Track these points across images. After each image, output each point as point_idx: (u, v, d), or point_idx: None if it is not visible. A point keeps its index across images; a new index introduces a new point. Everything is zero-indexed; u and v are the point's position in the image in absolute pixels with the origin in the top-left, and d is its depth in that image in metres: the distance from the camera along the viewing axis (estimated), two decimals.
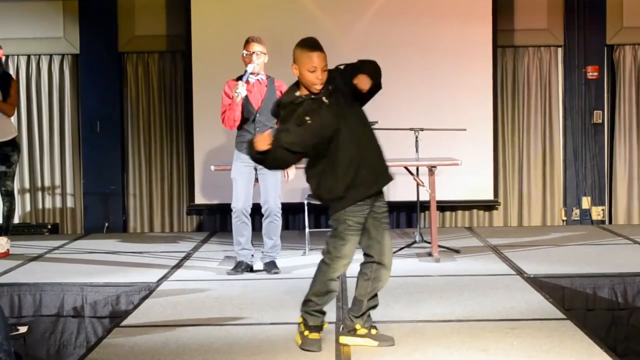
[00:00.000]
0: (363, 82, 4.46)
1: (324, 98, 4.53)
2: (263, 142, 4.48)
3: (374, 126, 7.46)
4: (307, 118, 4.49)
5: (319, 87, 4.54)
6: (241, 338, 4.94)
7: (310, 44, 4.57)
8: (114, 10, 9.60)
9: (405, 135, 7.80)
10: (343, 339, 4.75)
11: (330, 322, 5.24)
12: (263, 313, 5.54)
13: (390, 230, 4.70)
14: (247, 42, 6.67)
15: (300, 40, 4.62)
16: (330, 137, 4.49)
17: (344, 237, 4.58)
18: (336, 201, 4.59)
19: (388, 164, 4.74)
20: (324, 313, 4.74)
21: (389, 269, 4.69)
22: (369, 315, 4.76)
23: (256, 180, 6.77)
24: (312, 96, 4.55)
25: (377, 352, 4.60)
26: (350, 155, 4.53)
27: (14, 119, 7.78)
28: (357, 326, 4.72)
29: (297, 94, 4.59)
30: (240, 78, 6.66)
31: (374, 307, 4.78)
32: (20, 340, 5.60)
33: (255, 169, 6.71)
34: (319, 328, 4.70)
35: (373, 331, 4.74)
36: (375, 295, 4.75)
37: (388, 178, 4.72)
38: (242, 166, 6.70)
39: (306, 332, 4.66)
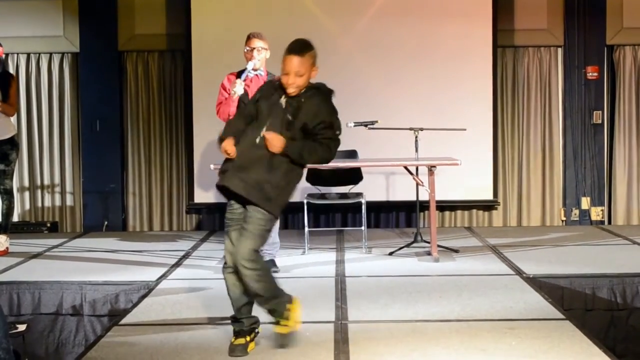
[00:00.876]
0: (271, 143, 4.35)
1: (283, 98, 4.49)
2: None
3: (374, 126, 7.56)
4: (259, 103, 4.54)
5: (291, 90, 4.47)
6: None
7: (291, 47, 4.50)
8: (114, 9, 9.60)
9: (405, 135, 7.81)
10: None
11: (328, 322, 5.27)
12: (262, 312, 5.52)
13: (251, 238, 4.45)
14: (248, 38, 6.68)
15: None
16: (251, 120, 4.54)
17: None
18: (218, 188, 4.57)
19: (275, 195, 4.47)
20: (239, 320, 4.64)
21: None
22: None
23: None
24: (283, 92, 4.51)
25: (376, 351, 4.60)
26: (247, 149, 4.45)
27: (13, 117, 7.78)
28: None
29: (277, 84, 4.56)
30: (241, 72, 6.66)
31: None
32: (19, 339, 5.60)
33: None
34: (241, 332, 4.62)
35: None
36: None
37: (259, 201, 4.42)
38: None
39: (232, 339, 4.63)
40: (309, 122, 4.46)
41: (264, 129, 4.42)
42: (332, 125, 4.53)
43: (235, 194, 4.45)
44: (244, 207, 4.51)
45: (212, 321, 5.34)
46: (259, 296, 4.52)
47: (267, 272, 4.58)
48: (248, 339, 4.59)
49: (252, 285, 4.45)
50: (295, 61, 4.44)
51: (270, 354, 4.57)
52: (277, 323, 4.62)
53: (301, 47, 4.49)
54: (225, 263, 4.58)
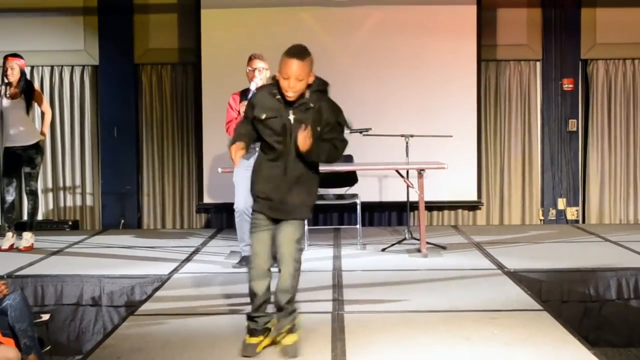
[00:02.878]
0: (302, 142, 4.15)
1: (291, 112, 4.24)
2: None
3: (369, 132, 7.56)
4: (264, 115, 4.25)
5: (290, 95, 4.20)
6: (245, 326, 4.93)
7: (291, 51, 4.21)
8: (131, 25, 9.60)
9: (396, 141, 7.81)
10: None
11: (325, 312, 5.26)
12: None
13: (293, 233, 4.35)
14: (250, 59, 6.67)
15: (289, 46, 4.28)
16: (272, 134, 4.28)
17: (251, 237, 4.43)
18: (253, 197, 4.43)
19: (310, 201, 4.41)
20: (255, 319, 4.42)
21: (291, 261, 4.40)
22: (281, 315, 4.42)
23: None
24: (283, 101, 4.24)
25: (370, 339, 4.60)
26: (274, 172, 4.31)
27: (38, 123, 7.79)
28: (272, 325, 4.46)
29: (275, 91, 4.26)
30: (244, 92, 6.66)
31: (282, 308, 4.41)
32: (43, 327, 5.60)
33: None
34: (255, 332, 4.41)
35: (282, 335, 4.39)
36: (288, 293, 4.39)
37: (299, 214, 4.35)
38: (244, 170, 6.69)
39: (245, 337, 4.43)
40: (320, 128, 4.27)
41: (291, 154, 4.24)
42: (339, 124, 4.37)
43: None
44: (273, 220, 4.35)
45: (220, 311, 5.34)
46: (288, 292, 4.34)
47: (300, 272, 4.44)
48: (261, 338, 4.40)
49: (288, 281, 4.31)
50: (295, 65, 4.16)
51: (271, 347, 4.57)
52: (289, 332, 4.35)
53: (301, 52, 4.21)
54: (248, 263, 4.41)
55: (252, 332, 4.41)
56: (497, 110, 9.71)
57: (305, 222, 7.66)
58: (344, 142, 4.41)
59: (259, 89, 4.53)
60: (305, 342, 4.54)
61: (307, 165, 4.33)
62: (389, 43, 9.14)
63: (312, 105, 4.26)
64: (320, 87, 4.35)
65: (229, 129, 6.68)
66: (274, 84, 4.30)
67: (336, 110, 4.38)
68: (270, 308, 4.46)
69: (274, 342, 4.41)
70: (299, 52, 4.21)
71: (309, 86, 4.26)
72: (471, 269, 6.67)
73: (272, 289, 4.42)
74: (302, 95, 4.26)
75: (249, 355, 4.31)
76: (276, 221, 4.36)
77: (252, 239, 4.41)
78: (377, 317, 5.07)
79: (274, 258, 4.42)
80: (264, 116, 4.27)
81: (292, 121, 4.24)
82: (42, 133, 7.73)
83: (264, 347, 4.40)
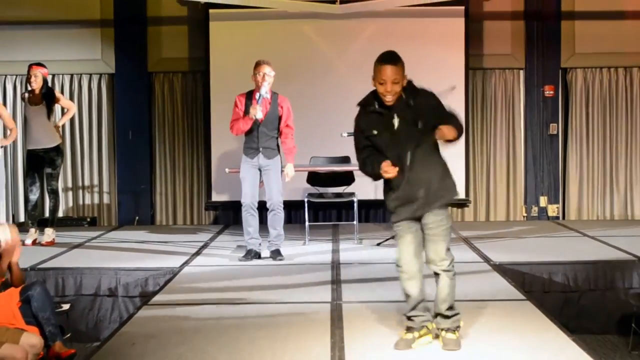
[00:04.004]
0: (447, 134, 4.01)
1: (395, 115, 4.11)
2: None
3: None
4: (375, 131, 4.15)
5: (389, 99, 4.10)
6: (250, 314, 4.95)
7: (383, 58, 4.14)
8: (145, 36, 9.60)
9: None
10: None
11: (325, 302, 5.26)
12: (269, 294, 5.54)
13: (438, 239, 4.19)
14: (257, 65, 6.62)
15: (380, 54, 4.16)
16: (385, 147, 4.13)
17: (396, 240, 4.32)
18: (391, 213, 4.27)
19: (447, 182, 4.22)
20: (411, 318, 4.28)
21: (439, 274, 4.22)
22: (441, 319, 4.24)
23: (261, 182, 6.78)
24: (383, 109, 4.13)
25: (366, 327, 4.60)
26: (405, 173, 4.11)
27: (59, 127, 7.79)
28: (430, 325, 4.30)
29: (375, 104, 4.16)
30: (249, 93, 6.65)
31: (441, 315, 4.23)
32: (64, 316, 5.59)
33: (260, 170, 6.72)
34: (411, 329, 4.27)
35: (444, 333, 4.22)
36: (446, 302, 4.21)
37: (443, 199, 4.19)
38: (248, 167, 6.71)
39: (402, 333, 4.30)
40: (429, 119, 4.09)
41: (408, 153, 4.10)
42: (442, 105, 4.21)
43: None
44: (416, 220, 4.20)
45: (227, 301, 5.33)
46: (446, 295, 4.21)
47: (454, 274, 4.28)
48: (417, 335, 4.24)
49: (443, 291, 4.20)
50: (390, 70, 4.08)
51: (274, 331, 4.56)
52: (448, 331, 4.21)
53: (394, 57, 4.14)
54: (400, 269, 4.28)
55: (408, 329, 4.28)
56: (483, 115, 9.71)
57: (306, 217, 7.81)
58: (454, 116, 4.19)
59: (359, 114, 4.30)
60: (306, 330, 4.55)
61: (427, 153, 4.16)
62: (383, 52, 9.13)
63: (411, 102, 4.14)
64: (417, 88, 4.24)
65: (233, 127, 6.68)
66: (366, 99, 4.23)
67: (429, 96, 4.22)
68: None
69: (434, 337, 4.28)
70: (391, 57, 4.14)
71: (403, 88, 4.15)
72: (460, 262, 6.56)
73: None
74: (399, 98, 4.14)
75: (402, 349, 4.19)
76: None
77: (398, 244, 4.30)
78: (373, 307, 5.07)
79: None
80: (375, 132, 4.17)
81: (397, 123, 4.12)
82: (57, 126, 7.69)
83: (419, 345, 4.24)
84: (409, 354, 4.13)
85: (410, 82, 4.23)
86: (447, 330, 4.22)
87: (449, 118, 4.14)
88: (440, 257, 4.20)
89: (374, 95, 4.20)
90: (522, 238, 7.95)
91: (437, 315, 4.26)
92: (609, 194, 9.65)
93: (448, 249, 4.23)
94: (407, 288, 4.26)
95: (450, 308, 4.23)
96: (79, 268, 6.45)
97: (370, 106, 4.22)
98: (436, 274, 4.24)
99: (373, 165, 4.17)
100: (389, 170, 4.06)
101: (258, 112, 6.47)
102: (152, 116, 9.74)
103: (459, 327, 4.27)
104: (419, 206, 4.16)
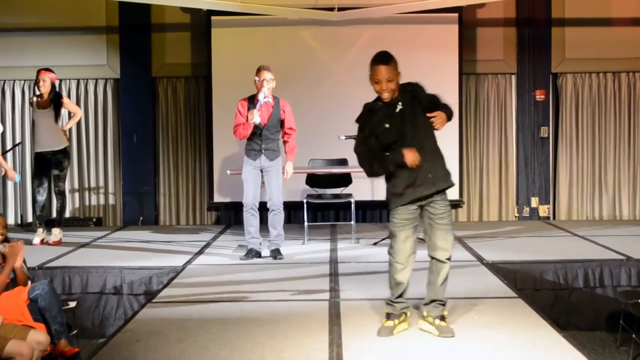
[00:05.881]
0: (440, 121, 4.23)
1: (399, 104, 4.27)
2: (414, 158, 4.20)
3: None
4: (387, 125, 4.27)
5: (385, 95, 4.26)
6: (251, 312, 4.94)
7: (376, 58, 4.31)
8: (149, 42, 9.60)
9: None
10: (418, 323, 4.49)
11: (323, 300, 5.26)
12: (269, 292, 5.54)
13: (448, 229, 4.34)
14: (259, 70, 6.63)
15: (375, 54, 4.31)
16: (396, 139, 4.25)
17: (393, 232, 4.37)
18: (392, 198, 4.35)
19: (446, 170, 4.38)
20: (393, 304, 4.44)
21: (444, 263, 4.35)
22: (435, 306, 4.40)
23: (262, 182, 6.78)
24: (387, 104, 4.29)
25: (363, 323, 4.60)
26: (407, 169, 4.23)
27: (66, 130, 7.78)
28: (425, 313, 4.44)
29: (380, 102, 4.35)
30: (251, 98, 6.65)
31: (438, 301, 4.39)
32: (70, 313, 5.59)
33: (261, 171, 6.72)
34: (391, 315, 4.42)
35: (437, 321, 4.35)
36: (444, 290, 4.38)
37: (445, 183, 4.35)
38: (251, 169, 6.71)
39: (383, 321, 4.43)
40: (427, 105, 4.30)
41: (414, 135, 4.26)
42: (437, 97, 4.39)
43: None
44: (420, 208, 4.33)
45: (229, 299, 5.33)
46: (445, 282, 4.38)
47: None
48: (397, 322, 4.39)
49: (439, 277, 4.35)
50: (384, 70, 4.25)
51: (274, 327, 4.56)
52: (442, 319, 4.37)
53: (386, 57, 4.30)
54: (393, 257, 4.38)
55: (388, 316, 4.41)
56: (476, 119, 9.71)
57: (305, 217, 7.81)
58: (447, 106, 4.39)
59: (364, 113, 4.44)
60: (305, 326, 4.54)
61: (429, 142, 4.32)
62: None
63: (409, 89, 4.33)
64: (412, 83, 4.41)
65: (236, 131, 6.68)
66: (373, 101, 4.38)
67: (419, 87, 4.41)
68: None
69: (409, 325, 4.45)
70: (383, 58, 4.31)
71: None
72: (453, 261, 6.61)
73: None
74: (397, 92, 4.31)
75: (384, 336, 4.31)
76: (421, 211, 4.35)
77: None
78: (370, 304, 5.06)
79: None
80: (387, 126, 4.28)
81: (400, 108, 4.28)
82: (64, 130, 7.67)
83: (399, 332, 4.38)
84: (405, 349, 4.13)
85: (409, 84, 4.41)
86: (441, 318, 4.33)
87: (444, 107, 4.35)
88: (450, 245, 4.35)
89: (378, 97, 4.38)
90: (514, 237, 7.96)
91: (432, 301, 4.37)
92: (597, 195, 9.66)
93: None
94: (398, 277, 4.38)
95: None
96: (85, 267, 6.44)
97: (377, 103, 4.36)
98: (439, 262, 4.35)
99: (383, 158, 4.30)
100: (414, 157, 4.18)
101: (256, 117, 6.47)
102: (155, 120, 9.74)
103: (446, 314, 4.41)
104: (427, 186, 4.28)
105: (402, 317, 4.44)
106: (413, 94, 4.31)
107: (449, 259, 4.38)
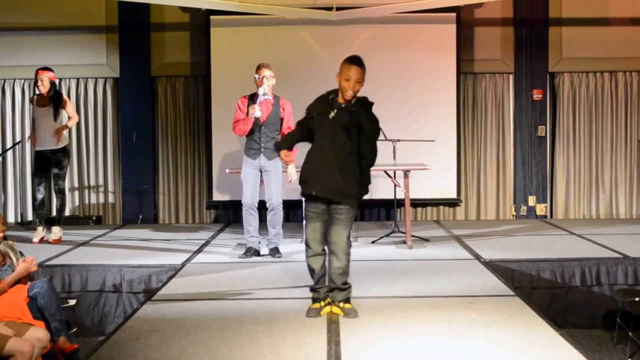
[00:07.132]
0: (287, 160, 4.87)
1: (348, 109, 4.54)
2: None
3: None
4: (315, 113, 4.63)
5: (349, 94, 4.53)
6: (250, 310, 4.94)
7: (353, 59, 4.55)
8: (148, 42, 9.59)
9: (384, 145, 7.76)
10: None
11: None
12: (268, 290, 5.53)
13: (345, 226, 4.63)
14: (259, 68, 6.64)
15: (348, 56, 4.59)
16: (316, 130, 4.62)
17: (306, 222, 4.77)
18: (301, 184, 4.72)
19: (353, 188, 4.62)
20: (315, 289, 4.83)
21: (338, 257, 4.63)
22: (337, 292, 4.73)
23: (262, 181, 6.77)
24: (332, 102, 4.60)
25: (361, 321, 4.60)
26: (324, 157, 4.58)
27: (66, 130, 7.77)
28: (331, 296, 4.77)
29: (331, 96, 4.64)
30: (252, 95, 6.65)
31: (337, 289, 4.71)
32: (70, 311, 5.59)
33: (261, 171, 6.71)
34: (314, 300, 4.80)
35: (341, 304, 4.71)
36: (338, 277, 4.68)
37: (340, 196, 4.59)
38: (250, 168, 6.71)
39: (310, 304, 4.78)
40: (356, 135, 4.55)
41: (337, 140, 4.57)
42: (375, 138, 4.65)
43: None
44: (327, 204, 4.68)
45: (227, 296, 5.33)
46: (343, 271, 4.66)
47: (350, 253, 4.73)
48: (322, 304, 4.73)
49: (334, 270, 4.65)
50: (357, 71, 4.50)
51: (273, 325, 4.56)
52: (347, 301, 4.72)
53: (361, 61, 4.56)
54: (309, 248, 4.74)
55: (315, 300, 4.78)
56: (474, 118, 9.71)
57: (304, 216, 7.77)
58: (371, 160, 4.70)
59: (318, 99, 4.77)
60: (304, 325, 4.54)
61: (349, 156, 4.59)
62: (378, 58, 9.13)
63: (353, 110, 4.55)
64: (366, 101, 4.64)
65: (236, 127, 6.68)
66: (330, 91, 4.67)
67: (373, 121, 4.63)
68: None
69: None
70: (359, 60, 4.56)
71: (357, 98, 4.60)
72: (451, 259, 6.68)
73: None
74: (349, 101, 4.58)
75: (313, 316, 4.67)
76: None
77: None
78: (368, 302, 5.06)
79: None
80: (315, 114, 4.66)
81: (332, 116, 4.58)
82: (61, 128, 7.53)
83: (325, 312, 4.71)
84: (403, 347, 4.13)
85: (366, 99, 4.64)
86: (345, 301, 4.72)
87: (367, 157, 4.61)
88: (342, 240, 4.64)
89: (335, 92, 4.67)
90: (512, 236, 7.96)
91: (332, 289, 4.73)
92: (594, 193, 9.66)
93: (348, 236, 4.73)
94: (312, 264, 4.77)
95: (345, 282, 4.72)
96: (84, 265, 6.44)
97: (329, 96, 4.67)
98: (333, 254, 4.65)
99: (286, 141, 4.95)
100: (286, 158, 4.86)
101: (257, 111, 6.47)
102: (155, 118, 9.73)
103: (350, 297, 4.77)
104: (330, 194, 4.60)
105: (327, 299, 4.75)
106: (363, 111, 4.55)
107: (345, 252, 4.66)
